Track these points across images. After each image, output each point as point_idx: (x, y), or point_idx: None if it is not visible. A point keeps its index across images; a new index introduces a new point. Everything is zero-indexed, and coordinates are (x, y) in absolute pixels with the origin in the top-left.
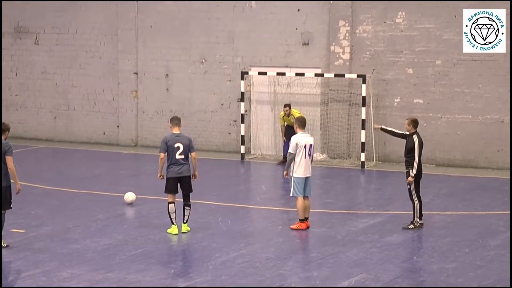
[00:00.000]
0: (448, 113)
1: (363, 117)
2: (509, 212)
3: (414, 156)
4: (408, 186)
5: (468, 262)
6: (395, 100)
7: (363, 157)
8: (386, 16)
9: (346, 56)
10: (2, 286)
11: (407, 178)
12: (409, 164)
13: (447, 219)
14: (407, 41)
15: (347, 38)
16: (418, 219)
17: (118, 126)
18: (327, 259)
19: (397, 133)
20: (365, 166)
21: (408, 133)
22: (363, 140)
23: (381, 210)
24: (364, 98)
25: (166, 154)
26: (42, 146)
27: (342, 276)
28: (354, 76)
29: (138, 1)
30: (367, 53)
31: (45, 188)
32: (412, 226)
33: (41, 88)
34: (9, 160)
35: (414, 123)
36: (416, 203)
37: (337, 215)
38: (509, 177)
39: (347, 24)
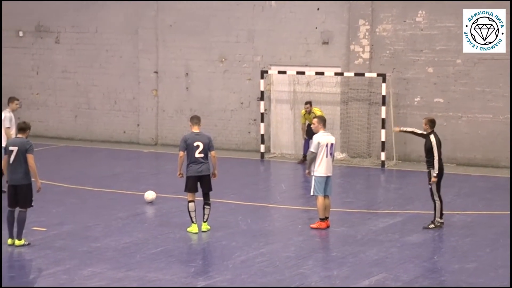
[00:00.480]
0: (468, 112)
1: (383, 116)
2: None
3: (433, 156)
4: (430, 186)
5: (489, 262)
6: (415, 99)
7: (383, 156)
8: (406, 15)
9: (366, 55)
10: (2, 286)
11: (429, 178)
12: (429, 164)
13: (468, 219)
14: (427, 40)
15: (367, 37)
16: (438, 219)
17: (138, 125)
18: (347, 258)
19: (418, 133)
20: (385, 165)
21: (425, 132)
22: (383, 139)
23: (401, 209)
24: (384, 97)
25: (185, 152)
26: (63, 145)
27: (362, 275)
28: (374, 75)
29: (158, 0)
30: (387, 52)
31: (66, 186)
32: (432, 225)
33: (62, 87)
34: (30, 158)
35: (431, 123)
36: (437, 202)
37: (357, 214)
38: None
39: (367, 23)
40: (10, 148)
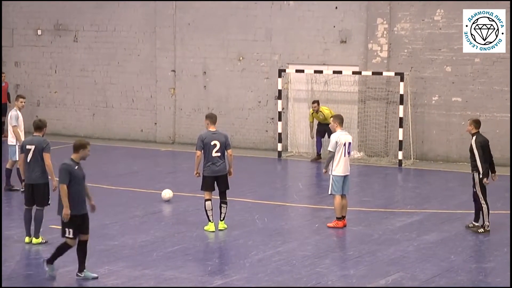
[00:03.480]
0: (486, 111)
1: (401, 115)
2: None
3: (475, 158)
4: (474, 189)
5: (507, 261)
6: (433, 98)
7: (400, 155)
8: (425, 13)
9: (384, 54)
10: (2, 286)
11: (473, 180)
12: (472, 166)
13: None
14: (445, 39)
15: (385, 35)
16: (487, 223)
17: (155, 123)
18: (364, 258)
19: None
20: (403, 165)
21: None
22: (400, 138)
23: (419, 208)
24: (402, 96)
25: (202, 151)
26: None
27: (379, 274)
28: (392, 74)
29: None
30: (405, 51)
31: None
32: (482, 230)
33: (80, 85)
34: (46, 157)
35: (475, 123)
36: (484, 206)
37: (374, 213)
38: None
39: (385, 22)
40: (27, 147)
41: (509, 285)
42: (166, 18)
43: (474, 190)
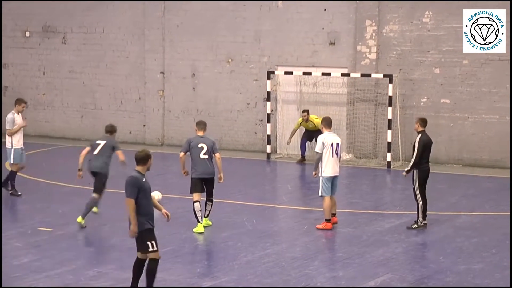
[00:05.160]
0: (475, 113)
1: (390, 117)
2: None
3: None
4: (413, 186)
5: (495, 263)
6: (422, 100)
7: (389, 157)
8: (413, 15)
9: (373, 56)
10: (2, 286)
11: (412, 177)
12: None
13: (474, 220)
14: (434, 41)
15: (373, 37)
16: (421, 219)
17: (144, 125)
18: (353, 259)
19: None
20: (391, 166)
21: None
22: (389, 140)
23: (407, 210)
24: (390, 98)
25: (187, 153)
26: (69, 145)
27: (368, 276)
28: (381, 76)
29: (165, 1)
30: (394, 52)
31: (72, 187)
32: (415, 225)
33: (69, 87)
34: (121, 153)
35: (421, 121)
36: (420, 203)
37: (363, 215)
38: None
39: (373, 24)
40: (98, 142)
41: (509, 285)
42: (154, 20)
43: (413, 187)
